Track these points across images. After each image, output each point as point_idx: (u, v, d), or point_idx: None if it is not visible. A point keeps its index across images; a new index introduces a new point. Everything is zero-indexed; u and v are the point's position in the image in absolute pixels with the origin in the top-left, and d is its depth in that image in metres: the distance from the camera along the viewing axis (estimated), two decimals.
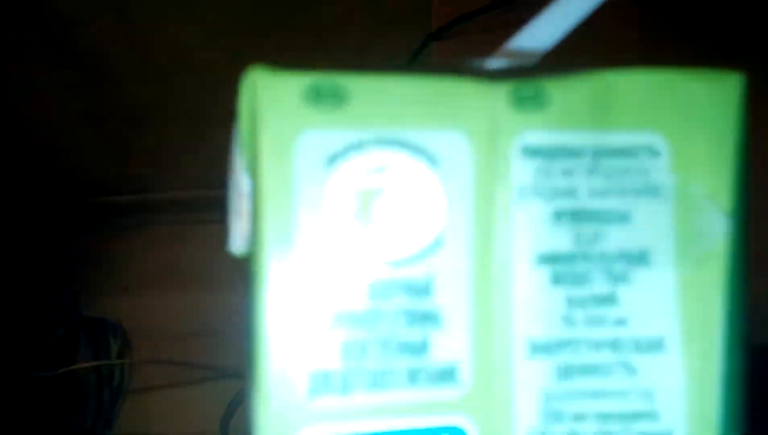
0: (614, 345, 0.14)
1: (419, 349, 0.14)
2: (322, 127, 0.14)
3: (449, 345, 0.14)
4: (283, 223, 0.13)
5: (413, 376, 0.14)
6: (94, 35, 0.45)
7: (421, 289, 0.14)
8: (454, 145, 0.14)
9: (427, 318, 0.14)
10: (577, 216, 0.14)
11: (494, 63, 0.16)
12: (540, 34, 0.16)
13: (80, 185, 0.52)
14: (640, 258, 0.14)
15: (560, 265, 0.14)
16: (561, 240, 0.14)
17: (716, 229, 0.14)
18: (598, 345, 0.14)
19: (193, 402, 0.51)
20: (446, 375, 0.14)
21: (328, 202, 0.13)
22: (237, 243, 0.15)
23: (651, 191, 0.14)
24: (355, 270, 0.13)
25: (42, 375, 0.47)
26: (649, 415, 0.14)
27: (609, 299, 0.14)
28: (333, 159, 0.14)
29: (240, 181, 0.15)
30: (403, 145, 0.14)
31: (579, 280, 0.14)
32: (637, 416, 0.14)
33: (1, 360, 0.44)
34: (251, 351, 0.14)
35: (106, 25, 0.45)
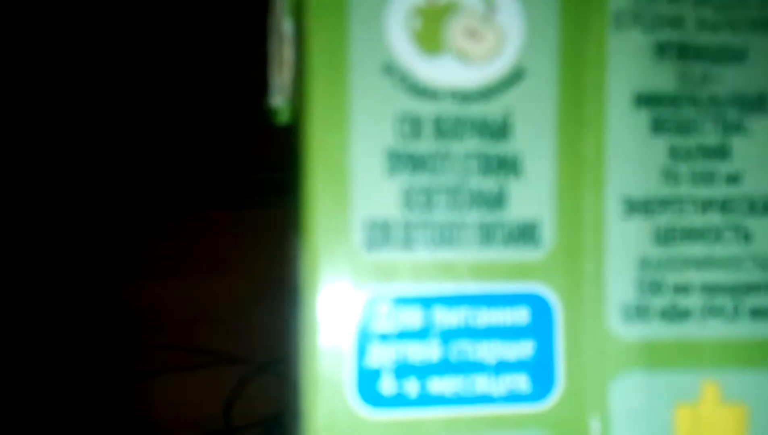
0: (725, 205, 0.12)
1: (494, 201, 0.11)
2: None
3: (529, 198, 0.11)
4: (335, 50, 0.11)
5: (486, 233, 0.11)
6: None
7: (498, 130, 0.11)
8: None
9: (504, 164, 0.11)
10: (683, 51, 0.12)
11: None
12: None
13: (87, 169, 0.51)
14: (757, 103, 0.12)
15: (662, 109, 0.12)
16: (664, 79, 0.12)
17: None
18: (705, 205, 0.12)
19: (198, 387, 0.50)
20: (525, 233, 0.11)
21: (388, 22, 0.11)
22: (276, 96, 0.13)
23: None
24: (419, 104, 0.11)
25: (49, 355, 0.46)
26: (765, 287, 0.11)
27: (719, 151, 0.12)
28: None
29: (281, 25, 0.12)
30: None
31: (684, 127, 0.12)
32: (750, 288, 0.11)
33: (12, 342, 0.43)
34: (300, 198, 0.11)
35: None
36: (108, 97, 0.50)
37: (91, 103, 0.50)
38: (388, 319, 0.11)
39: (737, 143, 0.12)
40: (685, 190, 0.12)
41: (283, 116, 0.13)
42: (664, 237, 0.12)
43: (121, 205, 0.54)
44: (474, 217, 0.11)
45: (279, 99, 0.13)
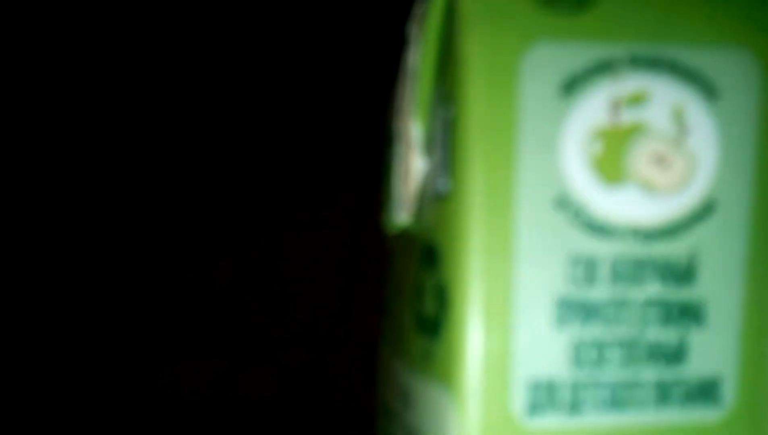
0: None
1: (673, 355, 0.10)
2: (558, 38, 0.09)
3: (712, 350, 0.10)
4: (499, 174, 0.09)
5: (663, 392, 0.10)
6: None
7: (682, 273, 0.09)
8: (738, 69, 0.09)
9: (687, 312, 0.10)
10: None
11: None
12: None
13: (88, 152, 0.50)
14: None
15: None
16: None
17: None
18: None
19: (189, 372, 0.51)
20: (705, 391, 0.10)
21: (564, 145, 0.09)
22: (400, 212, 0.11)
23: None
24: (595, 244, 0.09)
25: (56, 343, 0.46)
26: None
27: None
28: (572, 84, 0.09)
29: (406, 128, 0.10)
30: (670, 67, 0.09)
31: None
32: None
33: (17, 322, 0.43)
34: (446, 350, 0.09)
35: None
36: (103, 87, 0.49)
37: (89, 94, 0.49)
38: None
39: None
40: None
41: (402, 228, 0.11)
42: None
43: (122, 194, 0.54)
44: (651, 374, 0.10)
45: (403, 214, 0.11)
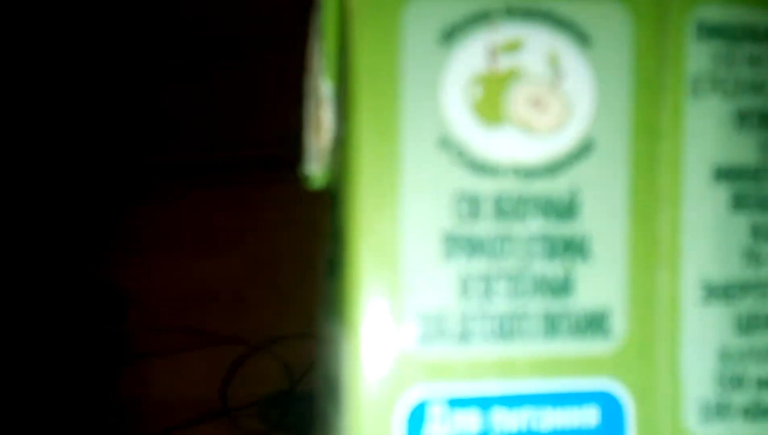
0: None
1: (560, 288, 0.10)
2: None
3: (598, 283, 0.10)
4: (385, 120, 0.10)
5: (551, 324, 0.10)
6: None
7: (564, 209, 0.10)
8: (611, 19, 0.10)
9: (571, 247, 0.10)
10: (766, 120, 0.10)
11: None
12: None
13: (81, 153, 0.52)
14: None
15: (744, 183, 0.11)
16: (745, 150, 0.11)
17: None
18: None
19: (193, 368, 0.51)
20: (593, 323, 0.10)
21: (446, 89, 0.10)
22: (313, 163, 0.12)
23: None
24: (478, 181, 0.10)
25: (41, 340, 0.47)
26: None
27: None
28: (451, 34, 0.10)
29: (318, 86, 0.11)
30: (545, 17, 0.10)
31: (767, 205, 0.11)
32: None
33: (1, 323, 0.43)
34: (341, 283, 0.10)
35: None
36: (99, 71, 0.50)
37: (81, 76, 0.51)
38: (442, 423, 0.10)
39: None
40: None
41: (317, 182, 0.12)
42: (747, 325, 0.11)
43: (116, 183, 0.54)
44: (537, 306, 0.10)
45: (316, 167, 0.12)
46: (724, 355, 0.11)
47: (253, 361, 0.53)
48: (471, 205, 0.10)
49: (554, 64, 0.10)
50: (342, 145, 0.10)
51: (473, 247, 0.10)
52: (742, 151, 0.11)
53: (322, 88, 0.12)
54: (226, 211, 0.55)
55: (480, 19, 0.10)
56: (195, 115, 0.53)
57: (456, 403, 0.10)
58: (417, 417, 0.10)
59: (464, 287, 0.10)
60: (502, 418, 0.10)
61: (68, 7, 0.45)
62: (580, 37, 0.10)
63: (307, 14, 0.12)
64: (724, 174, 0.11)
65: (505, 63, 0.10)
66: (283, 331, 0.51)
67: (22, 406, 0.46)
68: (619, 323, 0.11)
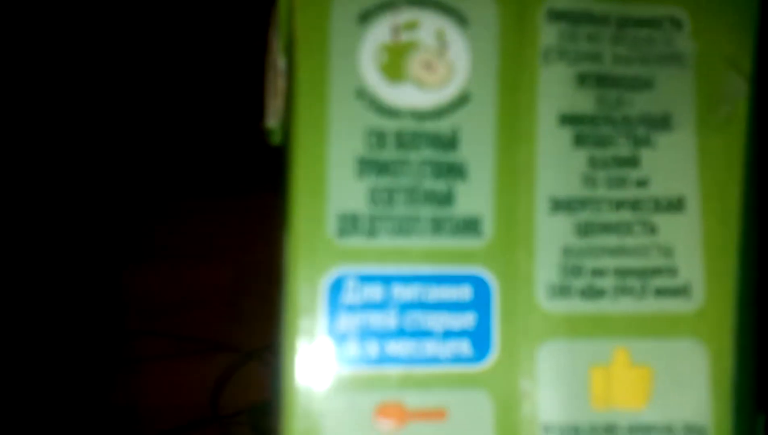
0: (635, 205, 0.15)
1: (444, 199, 0.15)
2: None
3: (474, 197, 0.15)
4: (317, 80, 0.14)
5: (437, 225, 0.15)
6: None
7: (447, 142, 0.15)
8: (484, 7, 0.15)
9: (453, 170, 0.15)
10: (601, 80, 0.15)
11: None
12: None
13: (81, 157, 0.53)
14: (662, 122, 0.15)
15: (583, 127, 0.15)
16: (584, 102, 0.15)
17: (736, 92, 0.15)
18: (619, 204, 0.15)
19: (184, 374, 0.52)
20: (470, 226, 0.15)
21: (361, 56, 0.15)
22: (271, 119, 0.17)
23: (673, 59, 0.15)
24: (384, 121, 0.15)
25: (34, 345, 0.48)
26: (668, 271, 0.15)
27: (631, 161, 0.15)
28: (366, 16, 0.15)
29: (276, 61, 0.16)
30: (435, 5, 0.15)
31: (601, 142, 0.15)
32: (655, 272, 0.15)
33: None
34: (286, 196, 0.15)
35: None
36: (97, 84, 0.51)
37: (82, 90, 0.51)
38: (354, 293, 0.15)
39: (645, 154, 0.16)
40: (601, 192, 0.15)
41: (276, 137, 0.17)
42: (584, 230, 0.15)
43: (111, 191, 0.55)
44: (427, 212, 0.15)
45: (273, 121, 0.16)
46: (566, 251, 0.15)
47: (245, 369, 0.53)
48: (379, 138, 0.15)
49: (441, 38, 0.15)
50: (289, 100, 0.15)
51: (380, 168, 0.15)
52: (581, 103, 0.16)
53: (279, 62, 0.17)
54: (219, 220, 0.55)
55: (387, 6, 0.15)
56: (194, 128, 0.54)
57: (365, 279, 0.15)
58: (336, 289, 0.15)
59: (373, 197, 0.15)
60: (400, 290, 0.15)
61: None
62: (461, 19, 0.15)
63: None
64: (568, 120, 0.16)
65: (405, 37, 0.15)
66: (274, 340, 0.53)
67: (15, 407, 0.47)
68: (488, 227, 0.15)
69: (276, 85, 0.16)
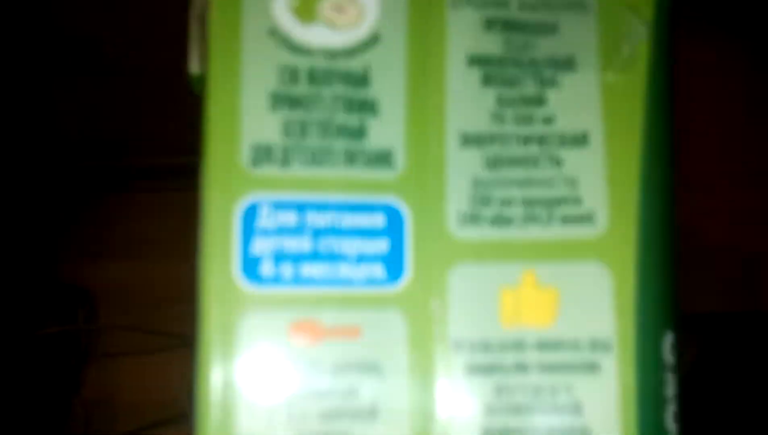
0: (541, 140, 0.16)
1: (357, 133, 0.16)
2: None
3: (385, 132, 0.16)
4: (231, 20, 0.15)
5: (350, 157, 0.16)
6: None
7: (359, 80, 0.16)
8: None
9: (365, 106, 0.16)
10: (507, 25, 0.16)
11: None
12: None
13: (54, 147, 0.54)
14: (567, 63, 0.16)
15: (491, 68, 0.16)
16: (492, 45, 0.16)
17: (636, 34, 0.16)
18: (526, 139, 0.16)
19: (160, 369, 0.52)
20: (382, 158, 0.16)
21: (274, 1, 0.16)
22: (194, 64, 0.18)
23: (577, 5, 0.17)
24: (297, 59, 0.16)
25: (8, 339, 0.48)
26: (573, 200, 0.16)
27: (537, 100, 0.16)
28: None
29: (196, 7, 0.17)
30: None
31: (509, 82, 0.16)
32: (561, 201, 0.16)
33: None
34: (203, 129, 0.16)
35: None
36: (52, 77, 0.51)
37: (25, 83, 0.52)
38: (268, 218, 0.15)
39: (551, 93, 0.16)
40: (509, 128, 0.16)
41: (200, 85, 0.17)
42: (493, 163, 0.16)
43: (91, 184, 0.55)
44: (340, 145, 0.16)
45: (196, 66, 0.17)
46: (476, 183, 0.16)
47: None
48: (291, 74, 0.16)
49: None
50: (205, 42, 0.16)
51: (292, 102, 0.16)
52: (489, 46, 0.17)
53: (198, 7, 0.17)
54: (195, 215, 0.56)
55: None
56: (173, 119, 0.55)
57: (278, 205, 0.15)
58: (250, 214, 0.15)
59: (286, 129, 0.16)
60: (313, 217, 0.16)
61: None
62: None
63: None
64: (476, 60, 0.16)
65: None
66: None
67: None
68: (400, 159, 0.16)
69: (198, 31, 0.17)
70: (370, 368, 0.14)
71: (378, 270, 0.15)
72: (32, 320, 0.52)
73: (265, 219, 0.15)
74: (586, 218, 0.15)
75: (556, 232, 0.15)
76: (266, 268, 0.15)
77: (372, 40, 0.16)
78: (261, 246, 0.15)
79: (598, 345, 0.15)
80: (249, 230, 0.15)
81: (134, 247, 0.58)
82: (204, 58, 0.16)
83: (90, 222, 0.57)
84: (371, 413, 0.14)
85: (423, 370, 0.15)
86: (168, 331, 0.54)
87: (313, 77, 0.15)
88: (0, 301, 0.49)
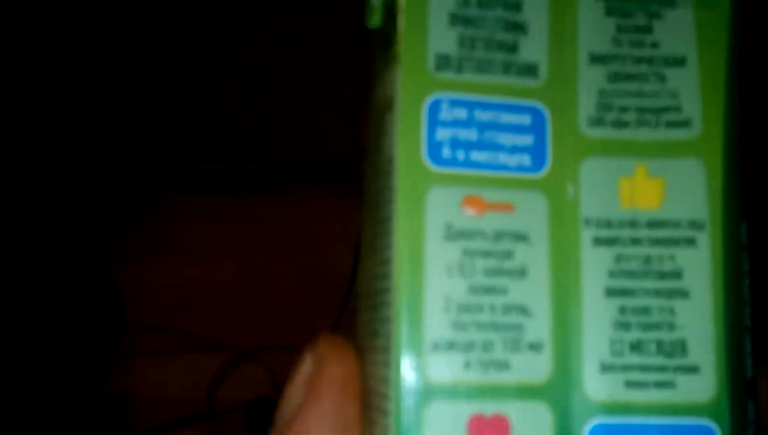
0: (650, 60, 0.21)
1: (511, 48, 0.20)
2: None
3: (533, 48, 0.20)
4: None
5: (506, 68, 0.20)
6: None
7: (514, 5, 0.20)
8: None
9: (518, 27, 0.20)
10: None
11: None
12: None
13: (85, 150, 0.53)
14: (669, 1, 0.21)
15: (612, 2, 0.21)
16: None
17: None
18: (638, 60, 0.21)
19: (181, 369, 0.53)
20: (529, 70, 0.20)
21: None
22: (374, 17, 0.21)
23: None
24: None
25: (34, 335, 0.48)
26: (674, 109, 0.21)
27: (647, 29, 0.21)
28: None
29: None
30: None
31: (625, 14, 0.21)
32: (665, 109, 0.21)
33: None
34: (394, 42, 0.20)
35: None
36: (100, 78, 0.51)
37: (84, 89, 0.52)
38: (447, 113, 0.20)
39: (657, 24, 0.21)
40: (626, 50, 0.21)
41: (377, 18, 0.22)
42: (614, 78, 0.21)
43: (113, 187, 0.56)
44: (499, 57, 0.20)
45: (375, 19, 0.21)
46: (601, 93, 0.21)
47: (241, 367, 0.55)
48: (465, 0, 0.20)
49: None
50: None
51: (465, 21, 0.20)
52: None
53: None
54: (224, 220, 0.57)
55: None
56: (201, 126, 0.56)
57: (454, 102, 0.20)
58: (434, 109, 0.20)
59: (460, 42, 0.20)
60: (479, 114, 0.20)
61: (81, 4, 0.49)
62: None
63: None
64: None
65: None
66: (271, 340, 0.53)
67: (10, 400, 0.47)
68: (544, 71, 0.21)
69: None
70: (521, 237, 0.19)
71: (526, 159, 0.20)
72: (62, 315, 0.51)
73: (445, 113, 0.19)
74: (685, 123, 0.20)
75: (661, 133, 0.20)
76: (446, 152, 0.19)
77: None
78: (442, 134, 0.19)
79: (694, 224, 0.20)
80: (433, 121, 0.19)
81: (160, 249, 0.57)
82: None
83: (124, 223, 0.57)
84: (521, 272, 0.19)
85: (560, 241, 0.20)
86: (187, 332, 0.54)
87: (481, 2, 0.20)
88: (33, 297, 0.48)
